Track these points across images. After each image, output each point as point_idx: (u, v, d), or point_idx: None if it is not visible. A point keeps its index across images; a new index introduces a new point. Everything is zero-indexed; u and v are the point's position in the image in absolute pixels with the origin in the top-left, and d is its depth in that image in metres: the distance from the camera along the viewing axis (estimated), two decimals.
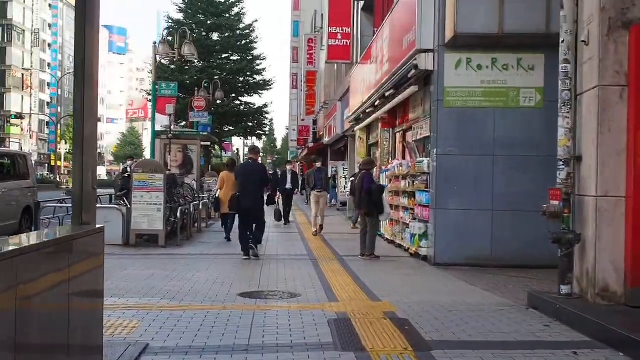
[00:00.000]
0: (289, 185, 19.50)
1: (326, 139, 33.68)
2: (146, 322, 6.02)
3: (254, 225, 11.28)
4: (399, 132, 16.56)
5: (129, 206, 12.89)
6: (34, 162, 20.15)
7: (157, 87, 22.85)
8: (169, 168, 21.01)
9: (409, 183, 12.73)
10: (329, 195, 20.87)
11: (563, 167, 6.61)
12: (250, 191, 11.08)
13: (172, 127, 22.69)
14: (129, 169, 18.06)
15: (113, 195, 18.18)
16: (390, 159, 16.71)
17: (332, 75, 34.02)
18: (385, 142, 17.16)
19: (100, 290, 4.07)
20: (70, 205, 15.40)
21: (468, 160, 10.94)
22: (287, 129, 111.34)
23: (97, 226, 4.01)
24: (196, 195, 18.03)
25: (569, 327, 5.97)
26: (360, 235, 11.61)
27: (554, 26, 10.40)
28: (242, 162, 24.67)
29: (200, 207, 17.17)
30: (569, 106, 6.64)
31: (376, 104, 16.20)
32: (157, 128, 23.80)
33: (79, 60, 3.94)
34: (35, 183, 15.79)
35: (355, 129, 22.14)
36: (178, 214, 13.35)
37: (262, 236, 11.66)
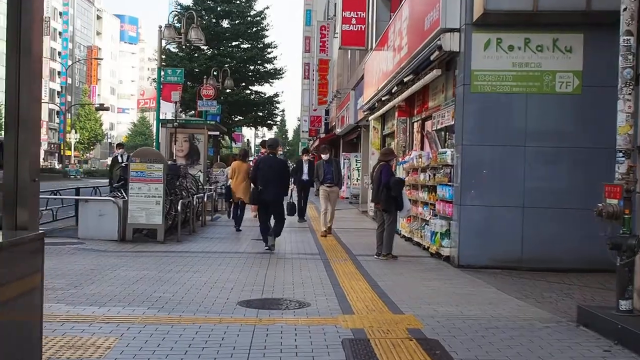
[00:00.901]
0: (305, 177, 17.27)
1: (338, 130, 32.62)
2: (124, 341, 5.03)
3: (274, 217, 11.32)
4: (416, 121, 15.50)
5: (126, 198, 11.93)
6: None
7: (162, 73, 21.82)
8: (174, 158, 20.10)
9: (429, 176, 11.68)
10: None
11: (623, 159, 5.54)
12: (271, 185, 11.00)
13: (178, 115, 21.73)
14: (119, 158, 17.08)
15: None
16: (408, 150, 15.66)
17: (345, 64, 32.92)
18: (401, 132, 16.09)
19: (35, 323, 3.03)
20: (69, 196, 14.53)
21: (497, 151, 9.88)
22: (299, 120, 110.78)
23: (35, 233, 2.98)
24: (201, 186, 17.07)
25: (635, 353, 4.92)
26: (377, 233, 10.59)
27: (596, 2, 9.33)
28: (251, 152, 23.66)
29: (205, 199, 16.21)
30: (631, 87, 5.57)
31: (393, 90, 15.13)
32: (169, 117, 22.93)
33: (10, 23, 2.96)
34: None
35: (370, 118, 21.09)
36: (179, 207, 12.38)
37: (282, 229, 11.43)
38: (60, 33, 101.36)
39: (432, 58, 10.77)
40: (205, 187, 18.76)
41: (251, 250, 11.09)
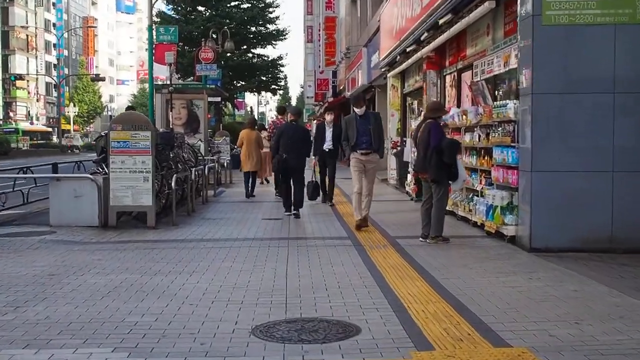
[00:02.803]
0: (328, 145, 12.50)
1: (348, 93, 30.27)
2: None
3: (293, 184, 11.16)
4: (449, 73, 13.21)
5: (107, 175, 9.75)
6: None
7: (154, 32, 19.45)
8: (171, 126, 17.89)
9: (478, 136, 9.44)
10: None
11: None
12: (294, 152, 10.99)
13: (172, 78, 19.46)
14: None
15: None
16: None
17: (354, 20, 30.43)
18: (431, 88, 13.79)
19: None
20: (38, 175, 12.30)
21: (577, 100, 7.61)
22: (302, 87, 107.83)
23: None
24: (201, 157, 14.87)
25: None
26: (422, 210, 8.37)
27: None
28: (256, 119, 21.21)
29: (207, 172, 14.03)
30: None
31: (422, 38, 12.80)
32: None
33: None
34: None
35: (388, 75, 18.75)
36: (173, 184, 10.20)
37: (302, 199, 11.24)
38: (54, 4, 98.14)
39: None
40: (206, 158, 16.60)
41: (263, 235, 8.93)
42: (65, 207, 9.71)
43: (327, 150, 12.57)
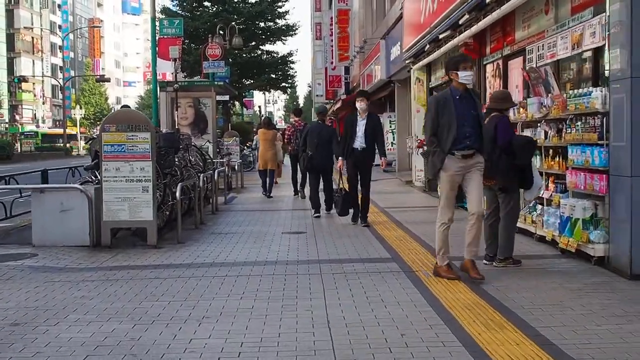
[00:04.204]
0: (361, 142, 9.54)
1: (364, 89, 28.65)
2: None
3: (323, 185, 11.15)
4: (491, 62, 11.59)
5: (99, 184, 8.20)
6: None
7: (157, 25, 17.90)
8: (177, 127, 16.36)
9: (545, 133, 7.82)
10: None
11: None
12: (321, 152, 10.89)
13: (178, 74, 17.92)
14: None
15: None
16: (485, 102, 11.79)
17: (368, 12, 28.80)
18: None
19: None
20: (18, 186, 10.65)
21: None
22: (310, 86, 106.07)
23: None
24: (209, 160, 13.31)
25: None
26: (485, 225, 6.75)
27: None
28: (271, 119, 19.70)
29: (217, 177, 12.48)
30: None
31: (461, 21, 11.18)
32: (169, 79, 19.15)
33: None
34: None
35: (413, 67, 17.12)
36: (178, 193, 8.62)
37: (332, 201, 10.69)
38: (59, 5, 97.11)
39: None
40: (215, 160, 15.07)
41: (287, 257, 7.33)
42: (51, 223, 8.15)
43: (359, 149, 9.53)
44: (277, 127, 18.24)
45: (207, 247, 8.11)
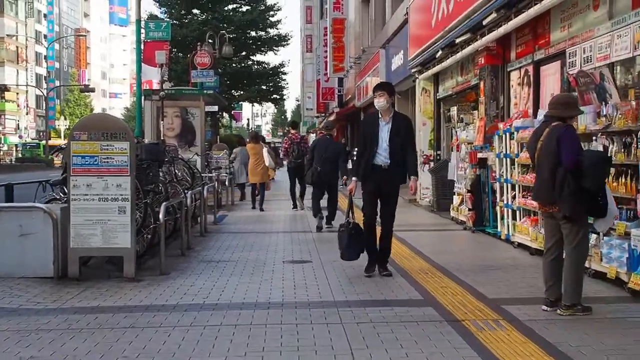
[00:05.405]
0: (384, 157, 6.82)
1: (359, 102, 27.42)
2: None
3: (328, 198, 11.25)
4: (517, 68, 10.38)
5: (66, 203, 6.81)
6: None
7: (142, 27, 16.55)
8: (162, 138, 15.00)
9: (604, 148, 6.53)
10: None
11: None
12: (328, 166, 10.90)
13: (164, 82, 16.58)
14: None
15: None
16: (504, 113, 10.58)
17: (365, 20, 27.64)
18: (489, 87, 10.93)
19: None
20: None
21: None
22: (298, 100, 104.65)
23: None
24: (198, 175, 11.94)
25: None
26: (545, 262, 5.42)
27: None
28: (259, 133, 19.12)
29: (206, 194, 11.10)
30: None
31: (485, 22, 9.94)
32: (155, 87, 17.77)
33: None
34: None
35: (419, 77, 15.91)
36: (161, 215, 7.23)
37: (335, 211, 11.22)
38: (45, 15, 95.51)
39: None
40: (204, 175, 13.71)
41: (295, 296, 5.96)
42: (7, 250, 6.74)
43: (382, 166, 6.82)
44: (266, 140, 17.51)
45: (195, 280, 6.73)
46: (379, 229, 7.05)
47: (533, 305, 5.43)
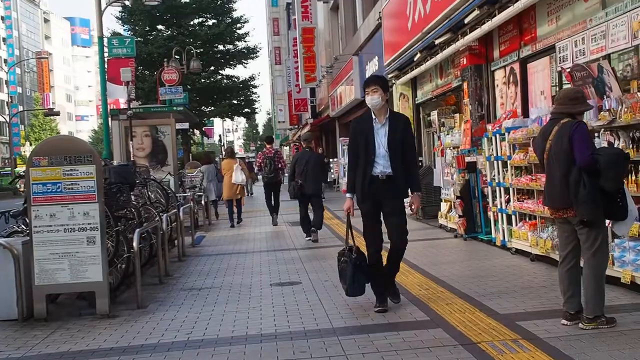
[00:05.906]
0: (384, 167, 5.66)
1: (333, 112, 26.98)
2: None
3: (313, 208, 11.05)
4: (501, 67, 9.99)
5: (27, 237, 6.17)
6: None
7: (105, 44, 15.88)
8: (132, 159, 14.37)
9: (609, 145, 6.10)
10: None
11: None
12: (310, 179, 10.78)
13: (131, 100, 15.92)
14: None
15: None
16: (499, 114, 10.17)
17: (337, 29, 27.26)
18: (474, 88, 10.53)
19: None
20: None
21: None
22: (269, 113, 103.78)
23: None
24: (172, 196, 11.32)
25: None
26: (561, 272, 4.93)
27: None
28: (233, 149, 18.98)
29: (182, 216, 10.49)
30: None
31: (467, 19, 9.53)
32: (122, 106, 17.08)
33: None
34: None
35: (397, 82, 15.49)
36: (135, 242, 6.62)
37: (322, 219, 11.04)
38: (4, 39, 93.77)
39: None
40: (179, 195, 13.08)
41: (289, 325, 5.40)
42: None
43: (381, 177, 5.68)
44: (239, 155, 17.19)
45: (176, 312, 6.14)
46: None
47: (550, 320, 4.95)
